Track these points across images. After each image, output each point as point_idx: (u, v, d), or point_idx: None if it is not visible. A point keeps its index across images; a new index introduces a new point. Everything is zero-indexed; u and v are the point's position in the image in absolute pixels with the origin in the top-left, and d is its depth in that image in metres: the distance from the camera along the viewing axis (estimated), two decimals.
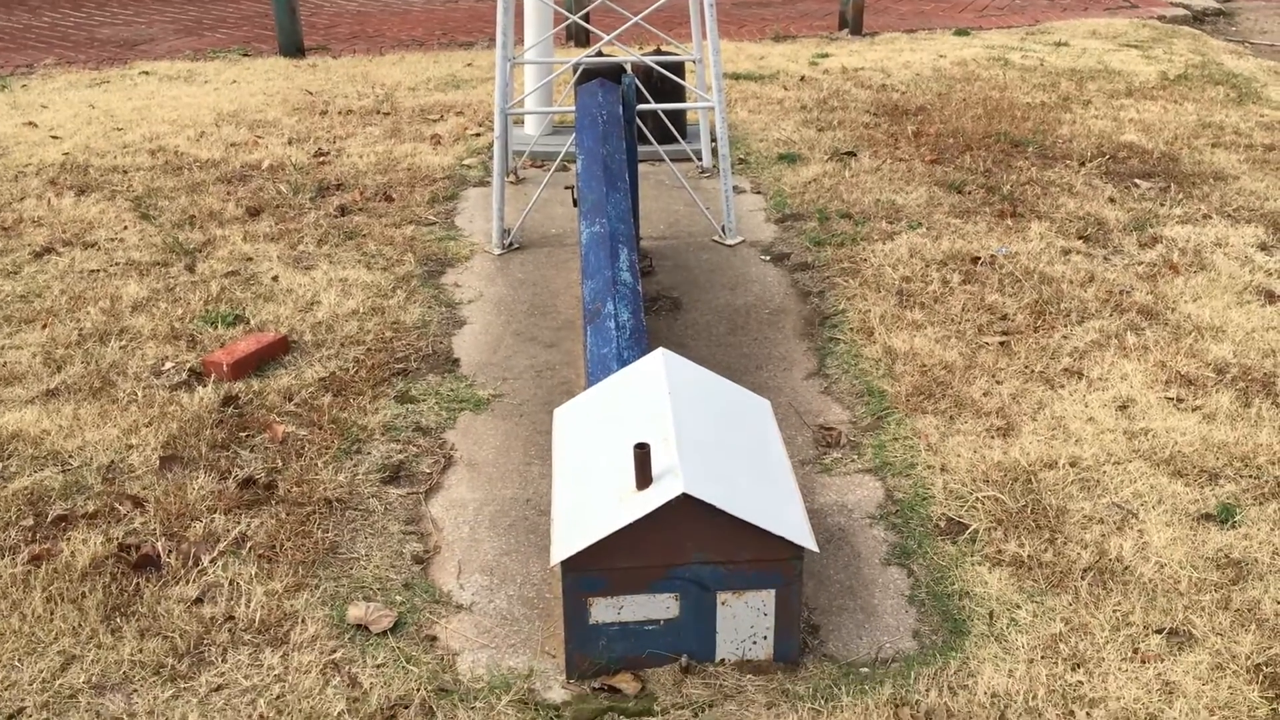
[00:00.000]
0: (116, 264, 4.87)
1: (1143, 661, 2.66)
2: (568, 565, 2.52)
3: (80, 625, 2.75)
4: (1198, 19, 11.40)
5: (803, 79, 8.12)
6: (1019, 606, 2.85)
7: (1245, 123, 6.99)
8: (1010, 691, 2.58)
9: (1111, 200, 5.59)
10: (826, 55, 9.02)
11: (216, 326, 4.28)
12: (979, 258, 4.83)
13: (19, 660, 2.66)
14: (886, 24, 10.50)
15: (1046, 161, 6.16)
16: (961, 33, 9.99)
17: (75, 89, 7.92)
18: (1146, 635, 2.74)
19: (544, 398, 3.86)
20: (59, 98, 7.67)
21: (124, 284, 4.66)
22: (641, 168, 5.56)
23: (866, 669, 2.67)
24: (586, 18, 7.00)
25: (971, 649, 2.72)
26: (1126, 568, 2.97)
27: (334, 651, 2.70)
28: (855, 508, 3.29)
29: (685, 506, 2.46)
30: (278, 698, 2.56)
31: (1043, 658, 2.68)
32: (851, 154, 6.29)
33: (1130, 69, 8.48)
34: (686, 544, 2.52)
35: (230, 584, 2.91)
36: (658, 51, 6.22)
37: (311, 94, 7.69)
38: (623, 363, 3.13)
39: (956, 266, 4.78)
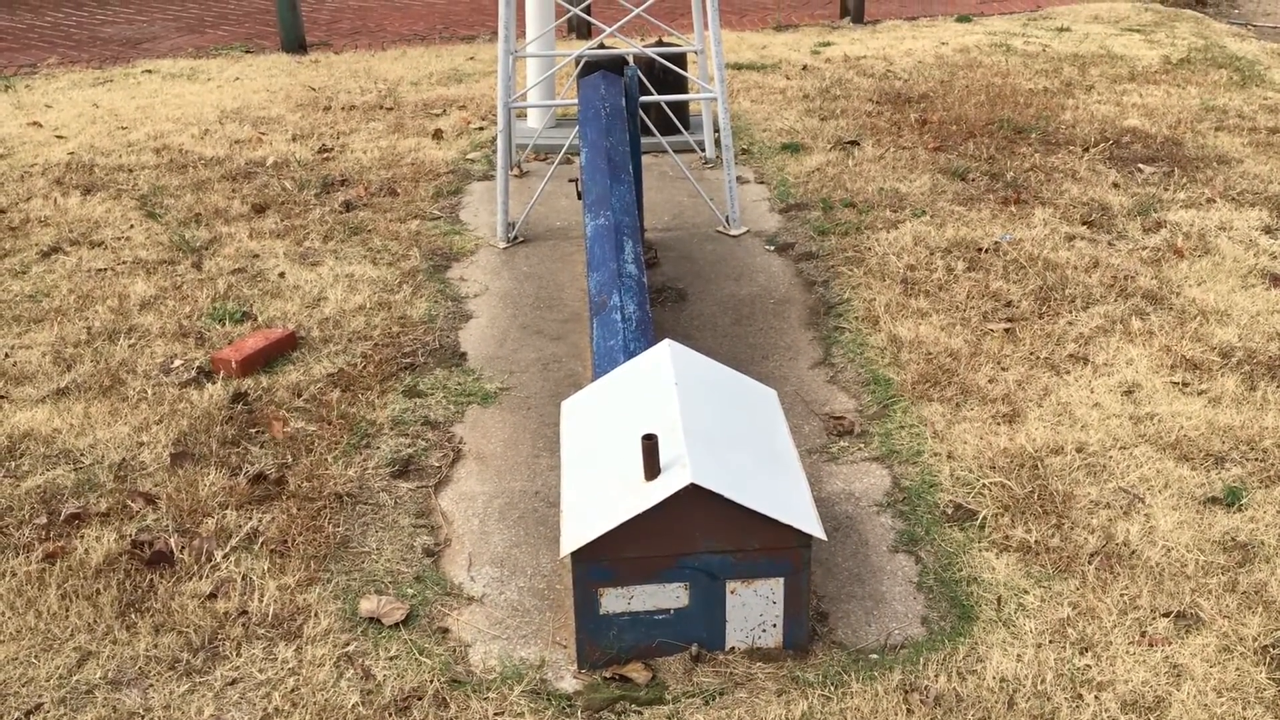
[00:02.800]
0: (124, 263, 4.89)
1: (1150, 645, 2.68)
2: (578, 556, 2.54)
3: (95, 621, 2.78)
4: (1200, 1, 11.36)
5: (805, 68, 8.12)
6: (1027, 591, 2.86)
7: (1249, 106, 6.98)
8: (1019, 676, 2.59)
9: (1115, 185, 5.59)
10: (828, 44, 9.01)
11: (224, 323, 4.30)
12: (984, 247, 4.84)
13: (35, 657, 2.68)
14: (888, 11, 10.49)
15: (1050, 147, 6.16)
16: (963, 19, 9.97)
17: (79, 88, 7.94)
18: (1154, 618, 2.76)
19: (551, 390, 3.88)
20: (63, 97, 7.68)
21: (131, 282, 4.68)
22: (645, 159, 5.56)
23: (876, 655, 2.69)
24: (588, 10, 7.00)
25: (980, 634, 2.73)
26: (1134, 552, 2.99)
27: (347, 644, 2.73)
28: (863, 495, 3.31)
29: (693, 496, 2.47)
30: (292, 691, 2.59)
31: (1051, 642, 2.70)
32: (854, 143, 6.29)
33: (1133, 53, 8.47)
34: (695, 533, 2.54)
35: (243, 579, 2.93)
36: (659, 43, 6.22)
37: (314, 90, 7.70)
38: (629, 355, 3.15)
39: (961, 254, 4.79)
